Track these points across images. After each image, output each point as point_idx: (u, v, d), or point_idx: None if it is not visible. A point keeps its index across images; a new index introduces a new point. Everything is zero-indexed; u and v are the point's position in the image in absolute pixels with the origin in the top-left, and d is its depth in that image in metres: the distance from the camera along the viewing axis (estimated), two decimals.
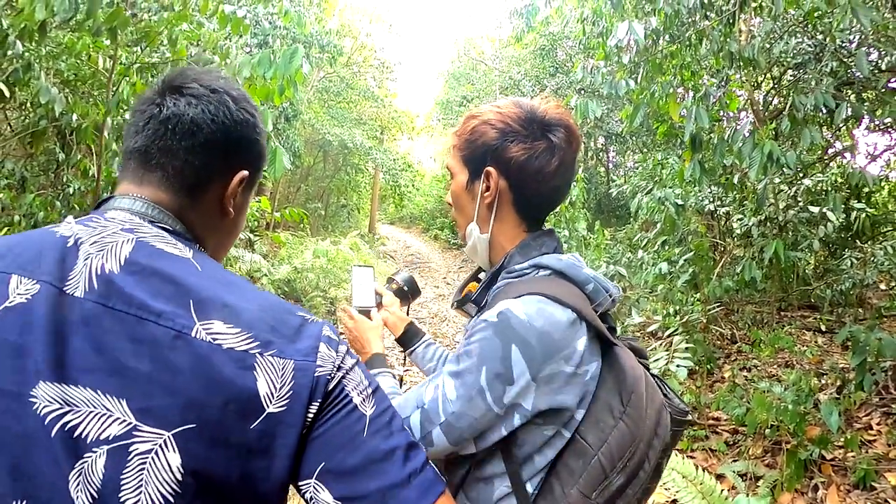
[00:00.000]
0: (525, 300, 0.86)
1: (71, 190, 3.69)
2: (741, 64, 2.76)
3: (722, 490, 2.08)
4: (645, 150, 5.84)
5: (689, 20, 3.23)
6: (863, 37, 3.19)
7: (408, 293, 1.42)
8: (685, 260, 4.01)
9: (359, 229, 13.30)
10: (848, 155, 4.72)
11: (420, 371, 1.38)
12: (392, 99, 15.86)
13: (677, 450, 2.60)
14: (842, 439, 2.62)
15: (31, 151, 3.98)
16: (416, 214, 22.25)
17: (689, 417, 1.03)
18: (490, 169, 0.96)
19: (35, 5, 2.43)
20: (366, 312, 1.37)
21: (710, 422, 3.32)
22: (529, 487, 0.90)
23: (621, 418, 0.89)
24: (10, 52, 2.94)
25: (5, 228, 3.42)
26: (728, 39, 2.74)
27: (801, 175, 4.02)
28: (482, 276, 1.10)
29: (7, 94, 3.16)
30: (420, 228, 21.37)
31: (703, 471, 2.30)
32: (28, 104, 3.87)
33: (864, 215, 3.68)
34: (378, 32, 17.98)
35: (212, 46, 3.95)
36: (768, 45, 3.62)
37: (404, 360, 1.48)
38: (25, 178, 3.65)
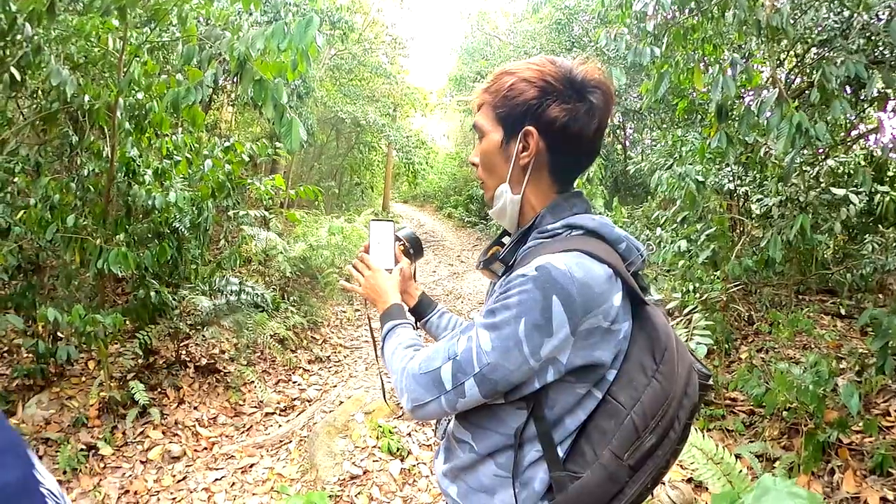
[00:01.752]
0: (563, 255, 0.85)
1: (85, 172, 3.73)
2: (768, 35, 2.65)
3: (741, 469, 2.07)
4: (664, 126, 5.70)
5: None
6: (892, 14, 3.05)
7: (412, 252, 1.37)
8: (706, 236, 3.94)
9: (372, 207, 13.30)
10: (872, 137, 4.58)
11: (434, 339, 1.36)
12: (405, 76, 15.66)
13: (695, 427, 2.60)
14: (860, 424, 2.60)
15: (44, 138, 4.01)
16: (430, 192, 22.14)
17: (711, 382, 1.03)
18: (530, 129, 0.93)
19: None
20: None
21: (728, 402, 3.31)
22: (560, 451, 0.90)
23: (654, 377, 0.89)
24: (19, 37, 2.95)
25: (21, 212, 3.50)
26: (755, 7, 2.64)
27: (822, 156, 3.91)
28: (506, 239, 1.08)
29: (18, 78, 3.18)
30: (433, 207, 21.29)
31: (724, 449, 2.30)
32: (38, 90, 3.90)
33: (888, 199, 3.58)
34: (389, 8, 17.70)
35: (223, 22, 3.92)
36: (793, 20, 3.49)
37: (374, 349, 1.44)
38: (39, 162, 3.69)
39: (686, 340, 2.87)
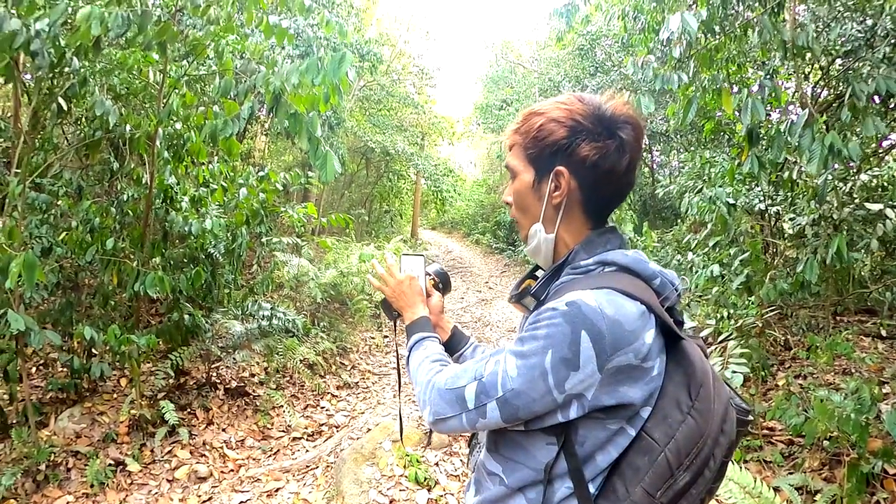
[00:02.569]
0: (595, 292, 0.85)
1: (125, 197, 3.90)
2: (795, 53, 2.63)
3: (782, 501, 1.98)
4: (692, 148, 5.64)
5: (736, 11, 3.12)
6: None
7: (441, 287, 1.38)
8: (740, 261, 3.84)
9: (401, 234, 13.45)
10: None
11: None
12: (432, 105, 15.98)
13: (731, 460, 2.50)
14: None
15: (86, 163, 4.22)
16: (458, 219, 22.31)
17: (751, 417, 1.00)
18: (561, 169, 0.94)
19: (91, 23, 2.58)
20: None
21: (765, 431, 3.18)
22: (591, 488, 0.89)
23: (689, 413, 0.86)
24: (67, 69, 3.15)
25: (64, 233, 3.68)
26: (779, 28, 2.63)
27: (855, 170, 3.79)
28: (539, 273, 1.09)
29: (65, 107, 3.39)
30: (461, 233, 21.42)
31: (762, 482, 2.20)
32: (83, 119, 4.12)
33: None
34: (415, 39, 18.23)
35: (258, 57, 4.10)
36: (815, 34, 3.45)
37: (399, 417, 1.45)
38: (82, 186, 3.87)
39: (722, 369, 2.79)
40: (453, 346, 1.32)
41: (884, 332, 3.82)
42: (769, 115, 3.82)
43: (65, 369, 4.08)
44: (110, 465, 3.39)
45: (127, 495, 3.24)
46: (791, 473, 2.70)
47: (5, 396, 3.61)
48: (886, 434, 2.45)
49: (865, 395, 2.54)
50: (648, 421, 0.87)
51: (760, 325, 3.59)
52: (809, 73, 4.37)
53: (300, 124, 2.81)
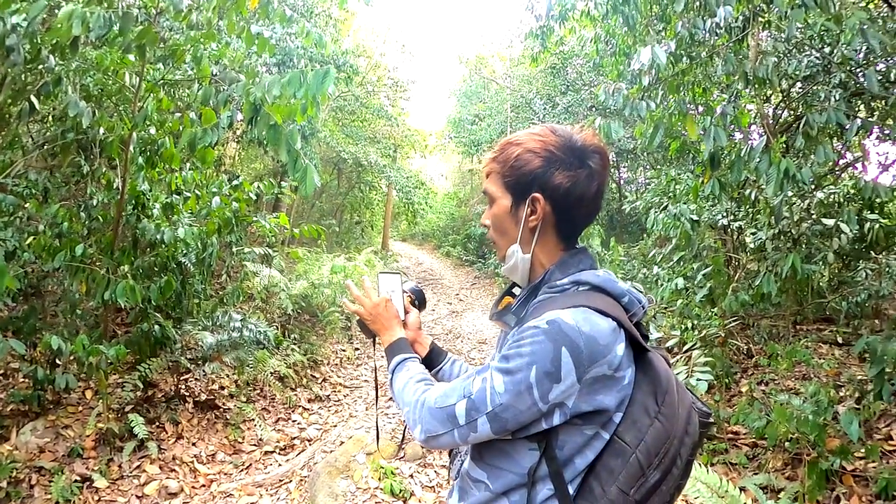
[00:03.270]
0: (572, 311, 0.93)
1: (94, 202, 3.78)
2: (756, 82, 2.82)
3: (746, 502, 2.08)
4: (659, 166, 5.89)
5: (703, 40, 3.30)
6: (870, 51, 3.24)
7: (417, 304, 1.43)
8: (703, 275, 4.02)
9: (372, 246, 13.40)
10: (859, 166, 4.72)
11: None
12: (405, 118, 16.08)
13: (699, 462, 2.60)
14: (862, 450, 2.61)
15: (51, 164, 4.07)
16: (428, 231, 22.36)
17: (712, 419, 1.09)
18: (537, 195, 1.01)
19: (72, 21, 2.54)
20: None
21: (730, 435, 3.31)
22: (570, 489, 0.96)
23: (657, 417, 0.95)
24: (41, 67, 3.05)
25: (31, 237, 3.54)
26: (743, 60, 2.82)
27: (813, 188, 4.03)
28: (516, 290, 1.17)
29: (38, 106, 3.28)
30: (432, 245, 21.46)
31: (728, 482, 2.30)
32: (49, 118, 3.97)
33: (877, 226, 3.69)
34: (391, 52, 18.35)
35: (238, 65, 4.08)
36: (776, 60, 3.68)
37: (377, 430, 1.50)
38: (48, 189, 3.73)
39: (687, 377, 2.90)
40: (432, 361, 1.36)
41: (840, 339, 4.04)
42: (732, 135, 4.03)
43: (27, 380, 3.87)
44: (76, 481, 3.25)
45: None
46: (756, 474, 2.83)
47: None
48: (843, 434, 2.60)
49: (823, 398, 2.69)
50: (620, 426, 0.95)
51: (723, 335, 3.76)
52: (770, 95, 4.63)
53: (280, 136, 2.79)
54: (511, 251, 1.06)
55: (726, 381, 3.75)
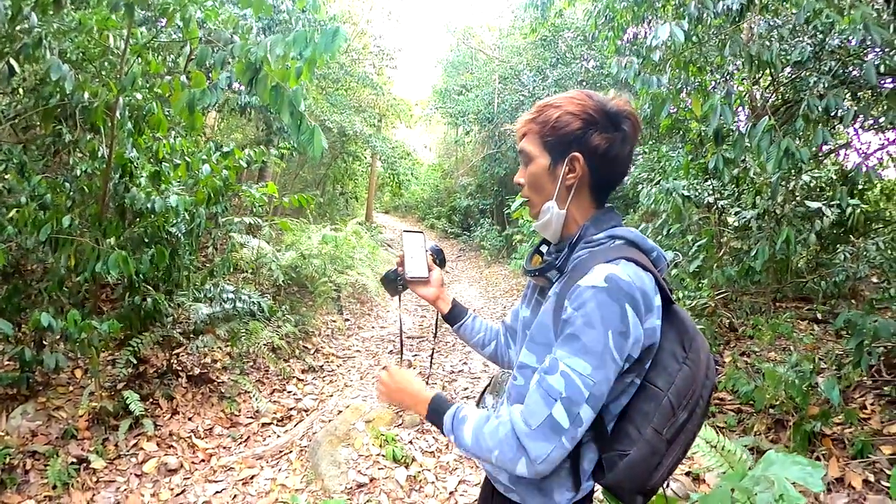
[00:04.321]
0: (621, 265, 0.98)
1: (77, 172, 3.64)
2: (758, 65, 2.87)
3: (741, 455, 2.22)
4: (651, 141, 5.96)
5: (706, 21, 3.33)
6: (863, 43, 3.31)
7: (438, 263, 1.46)
8: (698, 246, 4.14)
9: (356, 217, 13.31)
10: (843, 151, 4.84)
11: (466, 344, 1.48)
12: (390, 87, 15.79)
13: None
14: (840, 416, 2.78)
15: (23, 138, 3.88)
16: (412, 203, 22.24)
17: (720, 365, 1.19)
18: (577, 155, 1.07)
19: None
20: (420, 283, 1.40)
21: (716, 401, 3.47)
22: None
23: (684, 363, 1.04)
24: (23, 26, 2.86)
25: (14, 210, 3.40)
26: (747, 44, 2.86)
27: (797, 170, 4.14)
28: (543, 248, 1.23)
29: (18, 70, 3.08)
30: (416, 217, 21.38)
31: (725, 438, 2.44)
32: (20, 89, 3.76)
33: (857, 211, 3.83)
34: (377, 19, 17.82)
35: (233, 25, 3.90)
36: (768, 43, 3.73)
37: (431, 360, 1.54)
38: (25, 162, 3.54)
39: None
40: (455, 316, 1.44)
41: (819, 317, 4.22)
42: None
43: (13, 362, 3.74)
44: (72, 463, 3.19)
45: (94, 494, 3.07)
46: (742, 436, 2.99)
47: None
48: (823, 401, 2.77)
49: (806, 367, 2.84)
50: (650, 372, 1.05)
51: (713, 304, 3.90)
52: (760, 78, 4.69)
53: (283, 98, 2.68)
54: (546, 207, 1.11)
55: (713, 350, 3.91)
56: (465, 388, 4.80)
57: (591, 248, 1.07)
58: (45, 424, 3.45)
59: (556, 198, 1.10)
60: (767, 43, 2.80)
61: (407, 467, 3.34)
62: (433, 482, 3.22)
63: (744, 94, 4.52)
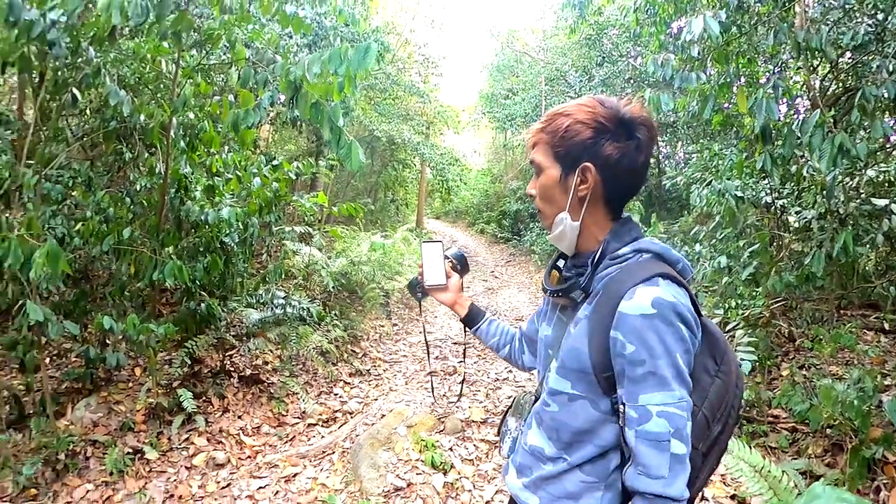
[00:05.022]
0: (661, 284, 0.97)
1: (137, 187, 3.92)
2: (808, 53, 2.69)
3: (788, 483, 2.07)
4: (702, 139, 5.69)
5: (749, 8, 3.16)
6: None
7: (459, 269, 1.51)
8: (750, 252, 3.91)
9: (407, 224, 13.49)
10: None
11: (484, 345, 1.51)
12: (437, 94, 15.93)
13: (742, 441, 2.58)
14: None
15: (91, 155, 4.20)
16: (462, 208, 22.30)
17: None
18: (588, 165, 1.03)
19: (111, 11, 2.61)
20: (438, 289, 1.47)
21: (770, 419, 3.27)
22: None
23: (717, 375, 1.02)
24: (80, 59, 3.13)
25: (79, 224, 3.68)
26: (794, 30, 2.69)
27: (862, 165, 3.84)
28: (560, 263, 1.20)
29: (80, 98, 3.37)
30: (466, 222, 21.43)
31: (770, 462, 2.29)
32: (87, 110, 4.10)
33: None
34: (421, 28, 18.09)
35: (274, 45, 4.10)
36: (825, 27, 3.48)
37: (464, 356, 1.58)
38: (91, 178, 3.85)
39: None
40: (472, 320, 1.48)
41: (887, 326, 3.89)
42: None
43: (79, 359, 4.12)
44: (128, 453, 3.44)
45: (146, 482, 3.29)
46: (795, 459, 2.79)
47: (22, 387, 3.65)
48: (888, 423, 2.54)
49: (868, 384, 2.62)
50: None
51: (767, 315, 3.67)
52: (818, 66, 4.40)
53: (322, 114, 2.79)
54: (559, 218, 1.08)
55: (768, 363, 3.68)
56: (510, 397, 4.76)
57: (618, 264, 1.04)
58: (105, 416, 3.73)
59: (569, 209, 1.07)
60: (819, 28, 2.60)
61: (445, 474, 3.34)
62: (470, 490, 3.20)
63: (801, 84, 4.26)
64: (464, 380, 4.34)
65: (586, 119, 1.03)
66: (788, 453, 2.94)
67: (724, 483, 2.96)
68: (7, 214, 2.92)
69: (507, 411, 1.33)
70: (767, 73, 3.88)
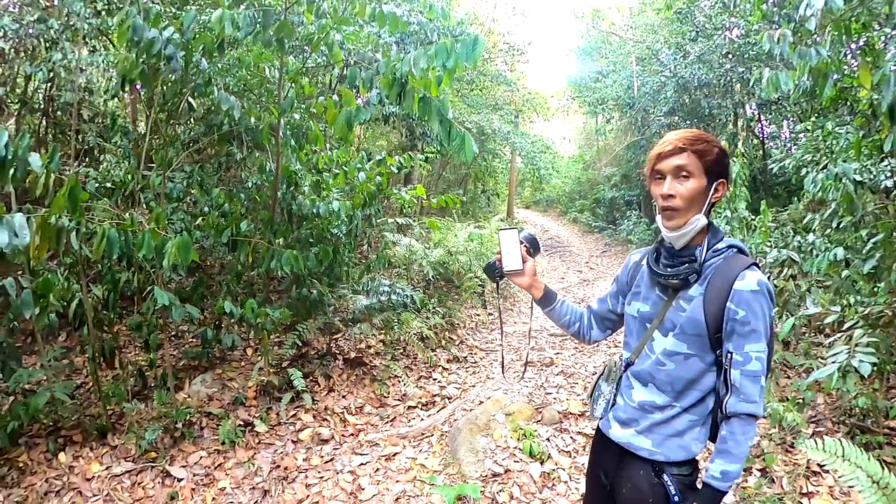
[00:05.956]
0: (757, 271, 1.34)
1: (249, 184, 4.25)
2: None
3: None
4: (812, 117, 5.16)
5: None
6: None
7: (532, 251, 1.64)
8: (873, 243, 3.53)
9: (498, 214, 13.53)
10: None
11: (555, 324, 1.74)
12: (524, 81, 15.73)
13: (860, 448, 2.36)
14: None
15: (197, 158, 4.61)
16: (553, 197, 21.89)
17: None
18: (724, 181, 1.40)
19: (224, 24, 2.87)
20: (516, 274, 1.61)
21: (886, 430, 2.97)
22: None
23: (772, 335, 1.41)
24: (193, 71, 3.45)
25: (199, 219, 4.11)
26: None
27: None
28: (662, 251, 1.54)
29: (194, 106, 3.71)
30: (557, 211, 21.01)
31: (890, 473, 2.09)
32: (191, 118, 4.51)
33: None
34: (503, 17, 17.89)
35: (373, 44, 4.27)
36: None
37: (528, 338, 1.69)
38: (202, 178, 4.23)
39: (848, 358, 2.65)
40: (546, 301, 1.69)
41: None
42: None
43: (195, 340, 4.60)
44: (240, 425, 3.71)
45: (255, 453, 3.52)
46: None
47: (145, 364, 4.09)
48: None
49: None
50: None
51: (890, 314, 3.30)
52: None
53: (431, 108, 2.87)
54: (696, 219, 1.38)
55: (887, 368, 3.31)
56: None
57: (718, 256, 1.40)
58: (219, 392, 4.11)
59: (704, 212, 1.39)
60: None
61: (542, 463, 3.38)
62: (566, 482, 3.22)
63: None
64: (527, 361, 4.92)
65: (723, 149, 1.40)
66: None
67: (831, 496, 2.76)
68: (135, 212, 3.32)
69: (598, 377, 1.65)
70: (883, 37, 3.43)
